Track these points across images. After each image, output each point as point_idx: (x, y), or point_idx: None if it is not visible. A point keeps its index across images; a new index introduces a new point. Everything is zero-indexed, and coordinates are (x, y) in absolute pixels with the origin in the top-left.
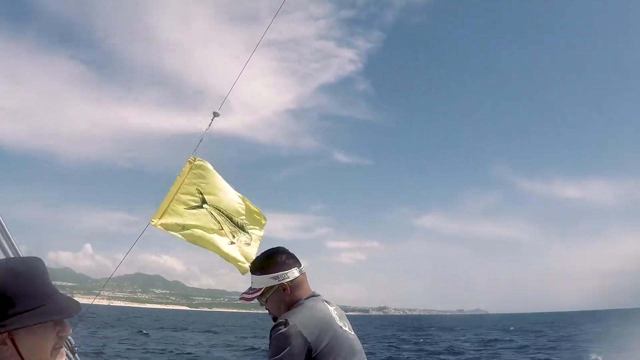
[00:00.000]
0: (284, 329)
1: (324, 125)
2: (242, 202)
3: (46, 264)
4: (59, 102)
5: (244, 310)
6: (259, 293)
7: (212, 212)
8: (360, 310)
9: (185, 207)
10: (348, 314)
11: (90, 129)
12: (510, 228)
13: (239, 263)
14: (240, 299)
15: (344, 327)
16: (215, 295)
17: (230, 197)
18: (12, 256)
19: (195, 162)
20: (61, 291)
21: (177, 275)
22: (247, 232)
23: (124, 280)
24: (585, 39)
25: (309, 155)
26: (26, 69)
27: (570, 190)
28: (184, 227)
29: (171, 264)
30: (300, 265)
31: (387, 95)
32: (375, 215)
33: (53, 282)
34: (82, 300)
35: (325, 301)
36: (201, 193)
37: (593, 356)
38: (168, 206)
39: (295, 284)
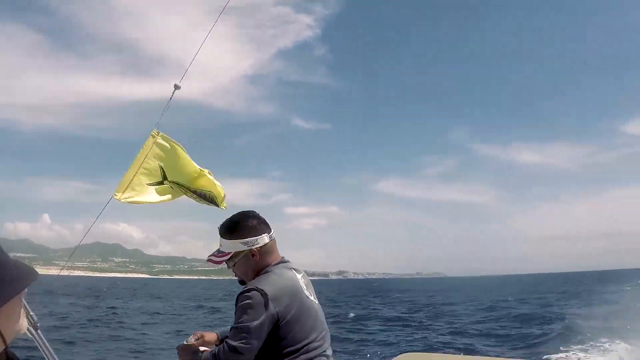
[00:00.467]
0: (252, 296)
1: (282, 91)
2: (205, 175)
3: (4, 235)
4: (14, 72)
5: (204, 277)
6: (227, 257)
7: (173, 187)
8: (319, 275)
9: (148, 182)
10: (309, 278)
11: (48, 98)
12: (469, 193)
13: (212, 203)
14: (208, 260)
15: (310, 297)
16: (175, 262)
17: (192, 171)
18: None
19: (158, 138)
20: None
21: (136, 243)
22: (212, 200)
23: (82, 250)
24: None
25: (267, 121)
26: None
27: (528, 155)
28: (146, 201)
29: (130, 232)
30: (271, 231)
31: (345, 61)
32: (334, 180)
33: (12, 254)
34: (42, 271)
35: (294, 269)
36: (162, 169)
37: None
38: (131, 180)
39: (264, 250)
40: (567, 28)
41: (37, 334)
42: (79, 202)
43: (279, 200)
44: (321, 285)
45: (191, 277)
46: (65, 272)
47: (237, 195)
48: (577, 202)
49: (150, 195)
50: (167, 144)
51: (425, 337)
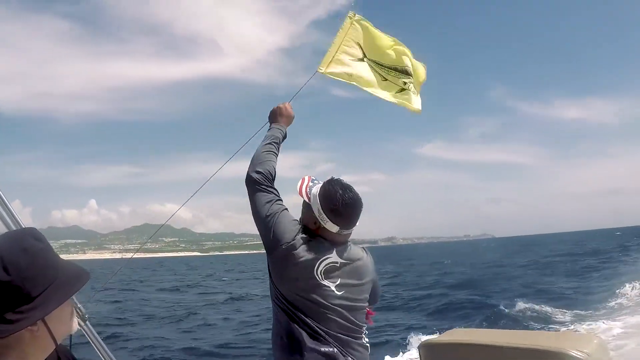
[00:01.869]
0: (292, 216)
1: (319, 61)
2: (402, 48)
3: (52, 223)
4: (49, 61)
5: (255, 252)
6: (306, 200)
7: (373, 65)
8: (368, 242)
9: (350, 58)
10: (357, 246)
11: (85, 86)
12: (512, 152)
13: (410, 105)
14: (300, 186)
15: (326, 282)
16: (223, 238)
17: (390, 49)
18: (13, 227)
19: (355, 18)
20: (73, 249)
21: (184, 222)
22: (412, 77)
23: (132, 233)
24: None
25: (306, 92)
26: (14, 31)
27: (571, 111)
28: (350, 76)
29: (178, 212)
30: (348, 227)
31: (381, 25)
32: (377, 147)
33: (63, 241)
34: (95, 255)
35: (342, 254)
36: (361, 47)
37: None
38: (334, 56)
39: (325, 231)
40: None
41: (87, 325)
42: (123, 186)
43: (323, 170)
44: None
45: (241, 252)
46: (117, 255)
47: (281, 167)
48: (625, 157)
49: (353, 69)
50: (363, 26)
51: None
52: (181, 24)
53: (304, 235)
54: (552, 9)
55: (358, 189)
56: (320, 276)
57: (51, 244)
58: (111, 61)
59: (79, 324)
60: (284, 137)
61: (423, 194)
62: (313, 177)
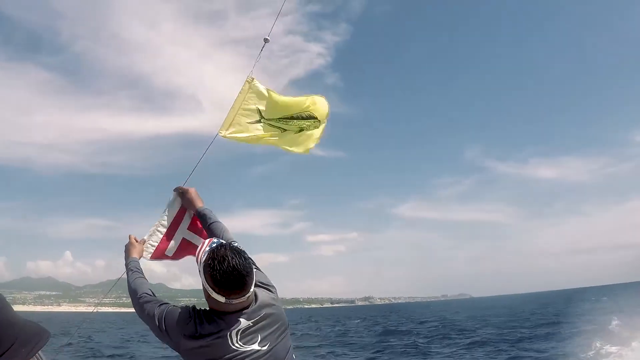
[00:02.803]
0: (180, 308)
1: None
2: (303, 98)
3: (26, 274)
4: (26, 111)
5: None
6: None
7: (271, 123)
8: (345, 302)
9: (247, 121)
10: (334, 305)
11: (61, 137)
12: (488, 212)
13: (309, 147)
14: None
15: (244, 346)
16: (199, 295)
17: (286, 102)
18: None
19: (253, 83)
20: (46, 301)
21: (158, 277)
22: (315, 118)
23: (107, 286)
24: (554, 25)
25: (282, 150)
26: None
27: (545, 170)
28: (249, 137)
29: (150, 265)
30: (236, 297)
31: (356, 87)
32: (352, 206)
33: (37, 292)
34: (70, 308)
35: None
36: (259, 111)
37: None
38: (233, 119)
39: (213, 302)
40: (573, 41)
41: None
42: (98, 239)
43: (299, 229)
44: (349, 310)
45: None
46: (92, 309)
47: (256, 225)
48: (598, 214)
49: (251, 132)
50: (262, 89)
51: None
52: (161, 78)
53: (200, 317)
54: (525, 68)
55: (334, 248)
56: (239, 345)
57: (25, 295)
58: (89, 113)
59: None
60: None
61: (399, 254)
62: (214, 240)
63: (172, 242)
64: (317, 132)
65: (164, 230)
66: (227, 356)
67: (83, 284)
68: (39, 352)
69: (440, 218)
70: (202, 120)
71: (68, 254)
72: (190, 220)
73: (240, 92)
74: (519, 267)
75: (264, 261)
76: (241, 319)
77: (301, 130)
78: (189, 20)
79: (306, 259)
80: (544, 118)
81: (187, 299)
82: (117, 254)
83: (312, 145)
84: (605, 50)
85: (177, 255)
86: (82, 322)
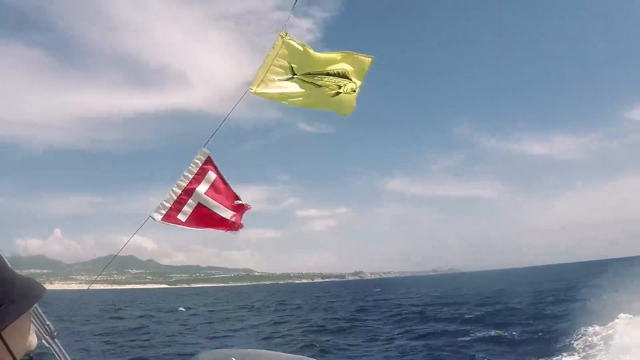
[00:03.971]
0: None
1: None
2: (337, 54)
3: (16, 252)
4: (16, 90)
5: (222, 284)
6: None
7: (304, 79)
8: (336, 277)
9: (279, 78)
10: (325, 280)
11: (52, 114)
12: (478, 187)
13: (339, 108)
14: None
15: None
16: (190, 271)
17: (321, 57)
18: None
19: (286, 38)
20: (38, 279)
21: (149, 254)
22: (351, 79)
23: (98, 263)
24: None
25: (272, 126)
26: None
27: (535, 146)
28: (280, 95)
29: (141, 243)
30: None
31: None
32: (342, 181)
33: (28, 271)
34: (62, 286)
35: None
36: (291, 66)
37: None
38: (265, 75)
39: None
40: (568, 16)
41: (55, 343)
42: (87, 216)
43: (289, 204)
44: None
45: (209, 285)
46: (84, 286)
47: (247, 201)
48: (587, 191)
49: (282, 89)
50: (295, 44)
51: None
52: (150, 55)
53: None
54: (516, 45)
55: (324, 223)
56: None
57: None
58: (78, 90)
59: (47, 341)
60: None
61: (389, 229)
62: None
63: (186, 206)
64: (353, 95)
65: (179, 191)
66: None
67: (73, 262)
68: (43, 313)
69: (431, 193)
70: (192, 97)
71: (57, 231)
72: (209, 184)
73: (272, 48)
74: (509, 243)
75: (254, 236)
76: None
77: (338, 92)
78: None
79: (297, 235)
80: (534, 94)
81: (177, 275)
82: (106, 231)
83: (351, 108)
84: (597, 27)
85: (191, 222)
86: (79, 300)
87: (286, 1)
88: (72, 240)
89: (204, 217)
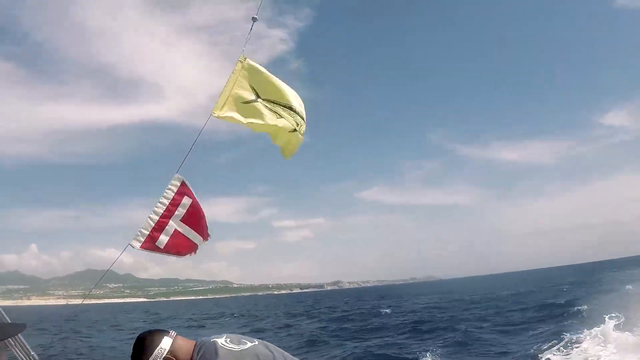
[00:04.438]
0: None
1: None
2: (294, 93)
3: None
4: None
5: (200, 297)
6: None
7: (267, 104)
8: (315, 287)
9: (241, 101)
10: (304, 291)
11: (24, 127)
12: (453, 194)
13: (287, 149)
14: None
15: (244, 348)
16: (168, 284)
17: (284, 88)
18: None
19: (246, 62)
20: (16, 295)
21: (126, 267)
22: (304, 120)
23: (75, 278)
24: (515, 10)
25: (247, 138)
26: None
27: (508, 153)
28: (245, 118)
29: (117, 256)
30: (169, 332)
31: (320, 72)
32: (318, 192)
33: (5, 286)
34: (40, 302)
35: (215, 339)
36: (254, 89)
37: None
38: (227, 99)
39: (176, 349)
40: (536, 22)
41: None
42: (63, 230)
43: (266, 215)
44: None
45: (188, 298)
46: (62, 302)
47: (223, 213)
48: (561, 196)
49: (245, 112)
50: (255, 67)
51: None
52: (124, 66)
53: None
54: (487, 53)
55: (300, 233)
56: (241, 347)
57: None
58: (51, 103)
59: None
60: None
61: (367, 238)
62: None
63: (163, 234)
64: (301, 139)
65: (157, 218)
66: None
67: (50, 277)
68: (22, 340)
69: (406, 202)
70: (166, 108)
71: (33, 246)
72: (185, 210)
73: (233, 72)
74: (485, 249)
75: (232, 248)
76: (214, 339)
77: (294, 131)
78: (151, 7)
79: (274, 245)
80: (507, 101)
81: (156, 288)
82: (82, 245)
83: (294, 151)
84: (569, 32)
85: (169, 248)
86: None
87: (260, 11)
88: (48, 255)
89: (179, 243)
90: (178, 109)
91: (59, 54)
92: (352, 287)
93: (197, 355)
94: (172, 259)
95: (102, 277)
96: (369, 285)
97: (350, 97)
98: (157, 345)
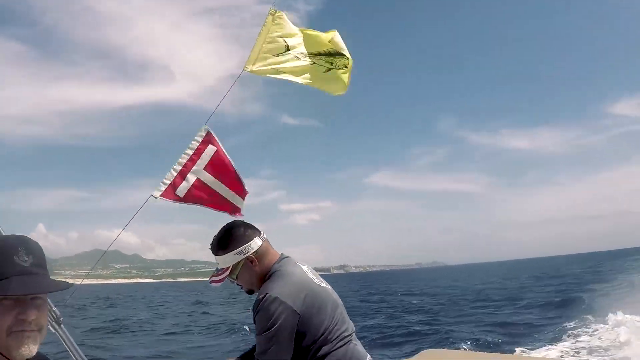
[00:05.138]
0: (269, 304)
1: (269, 91)
2: (326, 34)
3: None
4: (1, 84)
5: (207, 279)
6: (227, 272)
7: (298, 55)
8: (321, 270)
9: (273, 53)
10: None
11: (35, 109)
12: (461, 181)
13: (337, 85)
14: (211, 282)
15: (321, 284)
16: (174, 265)
17: (316, 35)
18: None
19: (276, 14)
20: None
21: (133, 248)
22: (344, 55)
23: (83, 258)
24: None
25: (256, 120)
26: None
27: (518, 141)
28: (277, 70)
29: (125, 237)
30: (260, 233)
31: None
32: (326, 176)
33: None
34: None
35: (297, 262)
36: (285, 40)
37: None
38: (259, 53)
39: (261, 253)
40: (548, 10)
41: (61, 328)
42: (71, 211)
43: (272, 198)
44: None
45: (194, 279)
46: (70, 281)
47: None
48: (571, 185)
49: (277, 64)
50: (287, 21)
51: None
52: (134, 49)
53: (277, 292)
54: (497, 40)
55: (308, 216)
56: (317, 282)
57: None
58: (62, 85)
59: (53, 327)
60: None
61: (374, 223)
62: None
63: (185, 181)
64: (346, 72)
65: (179, 168)
66: (321, 295)
67: (58, 256)
68: (49, 299)
69: (414, 187)
70: (175, 90)
71: (41, 226)
72: (209, 159)
73: (264, 25)
74: (492, 236)
75: None
76: (297, 262)
77: (329, 69)
78: None
79: (280, 228)
80: (518, 90)
81: (162, 269)
82: (90, 225)
83: (344, 86)
84: (580, 22)
85: (189, 198)
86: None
87: None
88: (55, 235)
89: (202, 194)
90: (187, 91)
91: (70, 37)
92: (358, 271)
93: (276, 265)
94: (202, 209)
95: (99, 259)
96: (375, 269)
97: (361, 83)
98: (247, 242)
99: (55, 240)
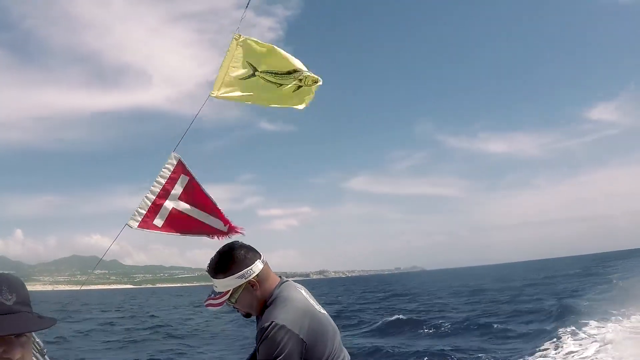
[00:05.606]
0: (276, 332)
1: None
2: (292, 58)
3: None
4: None
5: (186, 284)
6: (226, 296)
7: (265, 77)
8: (300, 275)
9: (239, 78)
10: (290, 279)
11: (13, 114)
12: (440, 185)
13: (305, 101)
14: (207, 305)
15: (321, 310)
16: (154, 271)
17: (282, 56)
18: None
19: (240, 39)
20: None
21: (112, 254)
22: (310, 73)
23: (61, 264)
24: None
25: (234, 125)
26: None
27: (496, 145)
28: (242, 96)
29: (103, 243)
30: (261, 256)
31: (308, 61)
32: (304, 181)
33: None
34: (27, 287)
35: (297, 286)
36: (251, 64)
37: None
38: (224, 78)
39: (262, 277)
40: (525, 15)
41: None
42: (48, 217)
43: (251, 204)
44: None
45: (173, 285)
46: (49, 287)
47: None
48: (548, 188)
49: (244, 89)
50: (251, 42)
51: None
52: (112, 54)
53: (282, 320)
54: (474, 44)
55: (287, 222)
56: (317, 308)
57: None
58: (39, 89)
59: (36, 357)
60: None
61: (352, 228)
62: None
63: (162, 210)
64: (314, 87)
65: (153, 197)
66: (322, 322)
67: (35, 263)
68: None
69: (393, 192)
70: (153, 95)
71: (19, 232)
72: (182, 188)
73: (228, 51)
74: (471, 240)
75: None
76: (295, 285)
77: (299, 86)
78: None
79: (259, 234)
80: (495, 94)
81: (141, 275)
82: (69, 231)
83: (309, 98)
84: (557, 27)
85: (167, 227)
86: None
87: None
88: (33, 240)
89: (180, 222)
90: (165, 97)
91: (48, 42)
92: (337, 276)
93: (277, 290)
94: (177, 237)
95: (97, 264)
96: (354, 275)
97: (338, 87)
98: (249, 265)
99: (33, 246)
